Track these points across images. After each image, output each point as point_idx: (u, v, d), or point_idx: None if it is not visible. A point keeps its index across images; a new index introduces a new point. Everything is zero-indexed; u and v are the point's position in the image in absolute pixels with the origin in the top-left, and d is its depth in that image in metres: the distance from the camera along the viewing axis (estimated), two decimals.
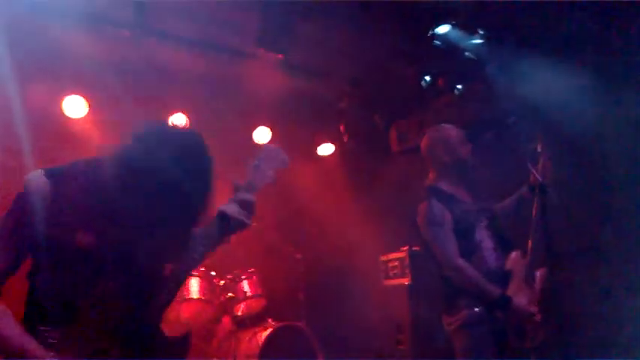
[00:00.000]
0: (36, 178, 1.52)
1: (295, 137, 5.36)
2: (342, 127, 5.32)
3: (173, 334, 3.70)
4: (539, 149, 2.78)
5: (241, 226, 1.70)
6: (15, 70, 3.97)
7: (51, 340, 1.47)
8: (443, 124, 3.00)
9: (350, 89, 5.06)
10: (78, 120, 4.46)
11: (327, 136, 5.59)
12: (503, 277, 2.63)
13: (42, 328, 1.48)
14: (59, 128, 4.41)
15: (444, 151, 2.83)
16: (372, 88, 5.10)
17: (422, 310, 4.33)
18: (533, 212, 2.74)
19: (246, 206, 1.70)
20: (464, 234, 2.66)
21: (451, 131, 2.89)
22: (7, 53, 3.77)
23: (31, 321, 1.52)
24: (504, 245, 2.74)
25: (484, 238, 2.71)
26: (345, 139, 5.32)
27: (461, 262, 2.59)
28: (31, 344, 1.44)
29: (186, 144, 1.56)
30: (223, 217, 1.67)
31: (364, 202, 5.19)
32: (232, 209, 1.68)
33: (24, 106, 4.10)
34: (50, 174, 1.54)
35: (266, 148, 1.85)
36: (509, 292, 2.58)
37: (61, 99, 4.37)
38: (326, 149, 5.65)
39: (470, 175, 2.87)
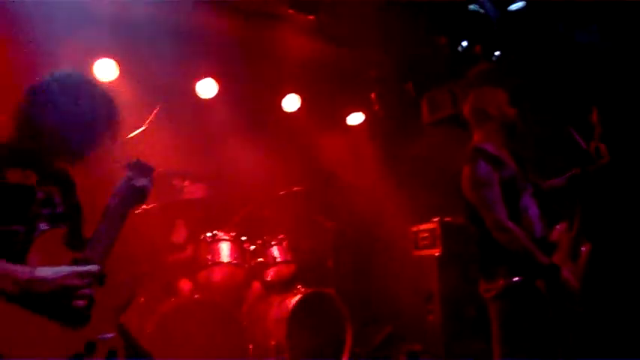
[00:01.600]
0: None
1: (325, 105, 5.29)
2: (372, 96, 5.22)
3: (204, 296, 3.72)
4: (594, 121, 2.65)
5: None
6: (46, 33, 3.98)
7: None
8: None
9: (382, 57, 4.94)
10: (109, 83, 4.44)
11: (356, 104, 5.51)
12: (548, 248, 2.55)
13: None
14: None
15: (491, 108, 2.73)
16: (405, 56, 4.97)
17: (452, 281, 4.29)
18: (581, 186, 2.66)
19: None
20: (509, 199, 2.56)
21: (498, 91, 2.81)
22: (38, 15, 3.76)
23: None
24: (550, 216, 2.66)
25: (530, 205, 2.62)
26: (376, 108, 5.22)
27: (512, 224, 2.50)
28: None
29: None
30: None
31: (394, 172, 5.13)
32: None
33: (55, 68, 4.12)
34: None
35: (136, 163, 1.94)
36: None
37: (92, 62, 4.35)
38: (355, 118, 5.57)
39: (515, 140, 2.77)
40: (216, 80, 4.78)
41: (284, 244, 4.20)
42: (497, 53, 4.27)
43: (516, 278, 2.52)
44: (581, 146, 2.73)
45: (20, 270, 1.58)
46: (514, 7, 4.07)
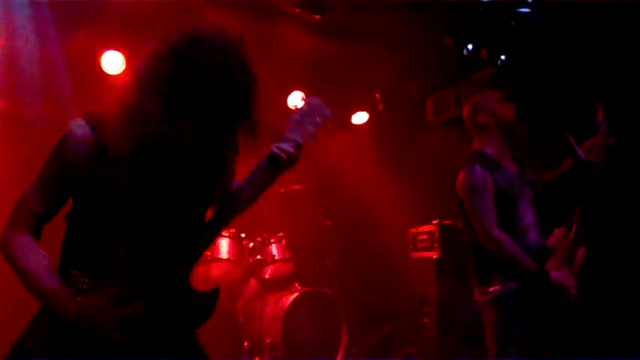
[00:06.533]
0: (79, 127, 1.53)
1: (329, 103, 5.26)
2: (377, 95, 5.20)
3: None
4: (599, 120, 2.63)
5: (289, 166, 1.70)
6: (55, 23, 4.00)
7: (82, 285, 1.47)
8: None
9: (387, 56, 4.92)
10: (115, 76, 4.46)
11: (361, 104, 5.49)
12: (543, 255, 2.54)
13: (74, 272, 1.49)
14: (96, 82, 4.43)
15: (483, 116, 2.71)
16: (411, 56, 4.95)
17: (449, 284, 4.28)
18: (580, 191, 2.65)
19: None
20: (505, 207, 2.55)
21: (488, 94, 2.78)
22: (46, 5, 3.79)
23: (65, 264, 1.54)
24: (548, 221, 2.65)
25: (526, 214, 2.61)
26: (380, 107, 5.21)
27: (498, 232, 2.50)
28: (61, 287, 1.45)
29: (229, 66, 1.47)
30: (274, 157, 1.66)
31: (396, 173, 5.11)
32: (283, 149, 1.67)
33: (64, 58, 4.15)
34: (92, 121, 1.54)
35: (309, 101, 1.78)
36: (548, 267, 2.49)
37: (100, 54, 4.37)
38: (360, 118, 5.56)
39: (515, 138, 2.74)
40: None
41: (283, 242, 4.22)
42: (502, 57, 4.25)
43: (512, 284, 2.51)
44: (577, 155, 2.70)
45: (68, 297, 1.43)
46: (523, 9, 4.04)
